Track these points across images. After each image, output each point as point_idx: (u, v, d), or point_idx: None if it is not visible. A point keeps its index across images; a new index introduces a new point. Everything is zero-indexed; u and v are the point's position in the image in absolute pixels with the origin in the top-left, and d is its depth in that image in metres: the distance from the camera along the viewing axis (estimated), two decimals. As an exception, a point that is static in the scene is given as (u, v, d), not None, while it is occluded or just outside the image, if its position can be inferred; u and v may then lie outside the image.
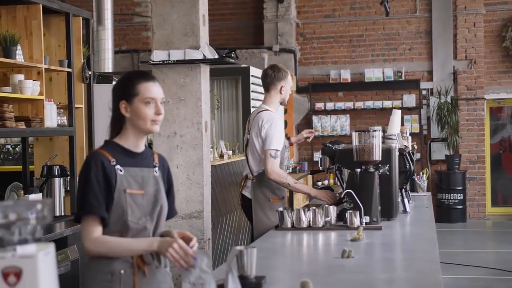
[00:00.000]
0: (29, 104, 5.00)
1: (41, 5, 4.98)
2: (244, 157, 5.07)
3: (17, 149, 7.42)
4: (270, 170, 4.73)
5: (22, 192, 5.18)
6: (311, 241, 3.89)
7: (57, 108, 5.20)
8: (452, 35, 12.27)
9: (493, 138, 12.76)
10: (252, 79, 9.30)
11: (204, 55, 5.41)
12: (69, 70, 5.30)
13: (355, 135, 4.29)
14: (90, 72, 5.66)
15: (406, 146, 5.42)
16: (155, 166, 2.78)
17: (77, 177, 4.65)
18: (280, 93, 4.98)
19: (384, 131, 5.36)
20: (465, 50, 12.22)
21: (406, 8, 12.49)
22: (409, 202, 5.03)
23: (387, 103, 12.25)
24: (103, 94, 4.82)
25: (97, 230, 2.62)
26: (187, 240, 2.62)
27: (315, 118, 12.56)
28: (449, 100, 11.98)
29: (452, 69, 12.28)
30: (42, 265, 1.63)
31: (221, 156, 7.69)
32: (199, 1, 5.50)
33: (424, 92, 12.38)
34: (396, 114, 5.41)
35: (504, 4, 12.29)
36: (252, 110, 8.35)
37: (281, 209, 4.23)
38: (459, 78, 12.22)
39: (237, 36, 13.01)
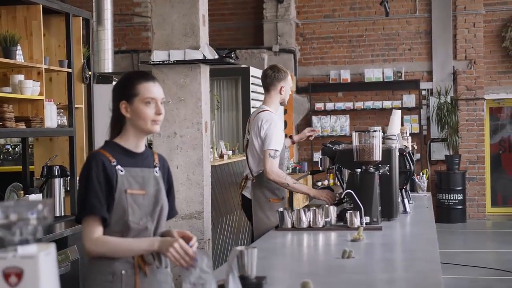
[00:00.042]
0: (29, 105, 5.00)
1: (41, 5, 4.98)
2: (244, 158, 5.08)
3: (17, 149, 7.42)
4: (269, 170, 4.74)
5: (22, 192, 5.18)
6: (311, 242, 3.89)
7: (57, 108, 5.20)
8: (452, 35, 12.27)
9: (493, 138, 12.77)
10: (252, 79, 9.30)
11: (204, 55, 5.41)
12: (69, 70, 5.29)
13: (355, 135, 4.29)
14: (90, 72, 5.65)
15: (406, 147, 5.42)
16: (155, 166, 2.78)
17: (77, 178, 4.64)
18: (280, 93, 4.98)
19: (384, 131, 5.36)
20: (465, 50, 12.22)
21: (406, 8, 12.49)
22: (409, 203, 5.03)
23: (387, 103, 12.25)
24: (103, 94, 4.82)
25: (97, 231, 2.62)
26: (187, 240, 2.62)
27: (315, 119, 12.56)
28: (448, 100, 11.98)
29: (451, 69, 12.28)
30: (43, 266, 1.63)
31: (221, 156, 7.69)
32: (199, 1, 5.50)
33: (424, 92, 12.39)
34: (396, 115, 5.41)
35: (504, 4, 12.29)
36: (252, 110, 8.36)
37: (281, 209, 4.23)
38: (459, 78, 12.22)
39: (237, 36, 13.01)
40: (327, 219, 4.13)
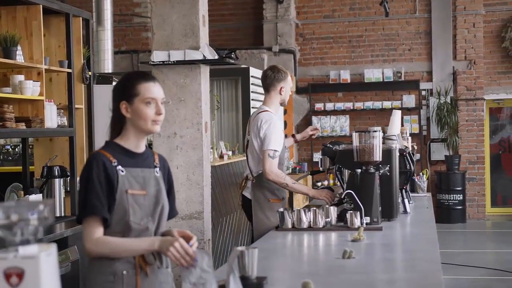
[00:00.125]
0: (29, 105, 5.00)
1: (41, 6, 4.98)
2: (245, 158, 5.08)
3: (17, 149, 7.42)
4: (268, 170, 4.74)
5: (22, 192, 5.18)
6: (311, 242, 3.89)
7: (57, 108, 5.20)
8: (452, 35, 12.27)
9: (493, 139, 12.77)
10: (251, 80, 9.30)
11: (204, 55, 5.41)
12: (69, 70, 5.29)
13: (355, 136, 4.29)
14: (90, 73, 5.66)
15: (406, 147, 5.42)
16: (155, 167, 2.78)
17: (77, 178, 4.64)
18: (280, 94, 4.98)
19: (383, 131, 5.36)
20: (465, 51, 12.23)
21: (406, 9, 12.50)
22: (409, 203, 5.03)
23: (387, 104, 12.25)
24: (103, 94, 4.82)
25: (98, 231, 2.62)
26: (187, 239, 2.62)
27: (314, 119, 12.56)
28: (448, 100, 11.99)
29: (451, 70, 12.29)
30: (44, 266, 1.63)
31: (221, 156, 7.69)
32: (199, 2, 5.51)
33: (423, 93, 12.39)
34: (396, 115, 5.41)
35: (504, 4, 12.29)
36: (252, 110, 8.37)
37: (281, 209, 4.23)
38: (459, 78, 12.22)
39: (237, 37, 13.01)
40: (327, 220, 4.13)
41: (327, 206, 4.29)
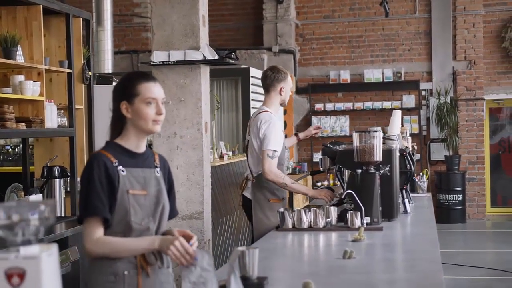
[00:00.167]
0: (30, 105, 5.00)
1: (41, 6, 4.98)
2: (245, 158, 5.08)
3: (17, 150, 7.42)
4: (267, 170, 4.74)
5: (22, 193, 5.18)
6: (312, 242, 3.89)
7: (58, 109, 5.20)
8: (452, 35, 12.27)
9: (493, 139, 12.77)
10: (251, 80, 9.30)
11: (204, 55, 5.41)
12: (69, 71, 5.29)
13: (355, 136, 4.29)
14: (90, 73, 5.66)
15: (406, 147, 5.42)
16: (156, 167, 2.78)
17: (78, 178, 4.64)
18: (280, 94, 4.99)
19: (383, 131, 5.36)
20: (465, 51, 12.23)
21: (406, 9, 12.50)
22: (409, 203, 5.03)
23: (387, 104, 12.25)
24: (103, 95, 4.81)
25: (98, 231, 2.62)
26: (188, 238, 2.62)
27: (314, 119, 12.56)
28: (448, 100, 11.99)
29: (451, 70, 12.29)
30: (46, 266, 1.63)
31: (221, 157, 7.69)
32: (199, 2, 5.51)
33: (423, 93, 12.39)
34: (397, 115, 5.41)
35: (503, 5, 12.29)
36: (252, 111, 8.37)
37: (282, 209, 4.23)
38: (459, 78, 12.22)
39: (237, 37, 13.01)
40: (327, 220, 4.14)
41: (327, 206, 4.29)
